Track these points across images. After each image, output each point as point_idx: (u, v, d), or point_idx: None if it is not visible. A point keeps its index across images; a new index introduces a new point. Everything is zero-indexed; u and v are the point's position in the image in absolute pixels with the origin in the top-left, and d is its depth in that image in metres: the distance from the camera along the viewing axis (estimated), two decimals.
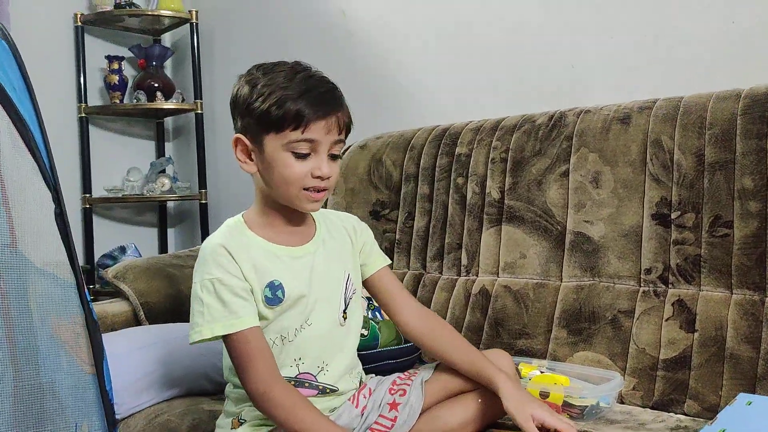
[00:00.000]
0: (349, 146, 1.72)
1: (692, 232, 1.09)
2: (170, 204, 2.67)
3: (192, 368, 1.13)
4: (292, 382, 0.85)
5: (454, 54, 1.73)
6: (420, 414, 0.91)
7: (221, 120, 2.46)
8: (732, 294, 1.04)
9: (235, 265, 0.82)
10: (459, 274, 1.43)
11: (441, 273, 1.47)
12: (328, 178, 0.83)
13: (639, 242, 1.15)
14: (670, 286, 1.11)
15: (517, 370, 1.08)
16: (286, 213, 0.88)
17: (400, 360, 1.27)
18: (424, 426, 0.90)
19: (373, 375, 0.98)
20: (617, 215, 1.19)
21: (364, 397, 0.92)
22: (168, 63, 2.62)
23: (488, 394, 0.89)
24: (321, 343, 0.87)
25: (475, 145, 1.46)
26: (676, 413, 1.03)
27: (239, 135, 0.85)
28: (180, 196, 2.46)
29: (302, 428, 0.77)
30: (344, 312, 0.90)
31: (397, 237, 1.55)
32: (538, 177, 1.32)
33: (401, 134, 1.66)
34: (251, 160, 0.85)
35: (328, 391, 0.88)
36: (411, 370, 0.98)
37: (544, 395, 1.01)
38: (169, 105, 2.42)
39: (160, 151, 2.65)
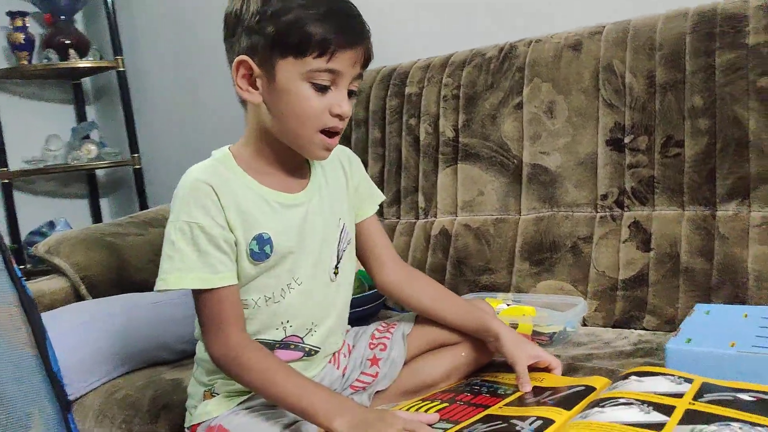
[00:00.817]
0: None
1: (645, 155, 1.11)
2: (100, 172, 2.52)
3: (149, 339, 1.07)
4: (277, 345, 0.78)
5: None
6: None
7: (149, 76, 2.31)
8: (684, 211, 1.06)
9: (220, 209, 0.71)
10: (417, 217, 1.42)
11: (399, 218, 1.45)
12: (347, 117, 0.73)
13: (594, 169, 1.16)
14: (625, 209, 1.13)
15: None
16: (286, 155, 0.76)
17: (366, 308, 1.26)
18: (405, 380, 0.87)
19: (350, 327, 0.93)
20: (572, 144, 1.19)
21: (344, 357, 0.88)
22: (79, 17, 2.41)
23: (473, 345, 0.87)
24: (311, 304, 0.79)
25: (425, 84, 1.42)
26: (637, 329, 1.06)
27: (245, 57, 0.71)
28: (110, 163, 2.32)
29: (282, 392, 0.70)
30: (336, 267, 0.82)
31: None
32: (491, 112, 1.31)
33: None
34: (255, 88, 0.72)
35: (312, 352, 0.82)
36: (389, 321, 0.93)
37: (513, 327, 1.02)
38: (86, 63, 2.23)
39: (81, 116, 2.46)
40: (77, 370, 1.01)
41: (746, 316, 0.87)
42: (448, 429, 0.68)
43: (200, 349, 0.82)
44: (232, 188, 0.73)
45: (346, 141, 1.55)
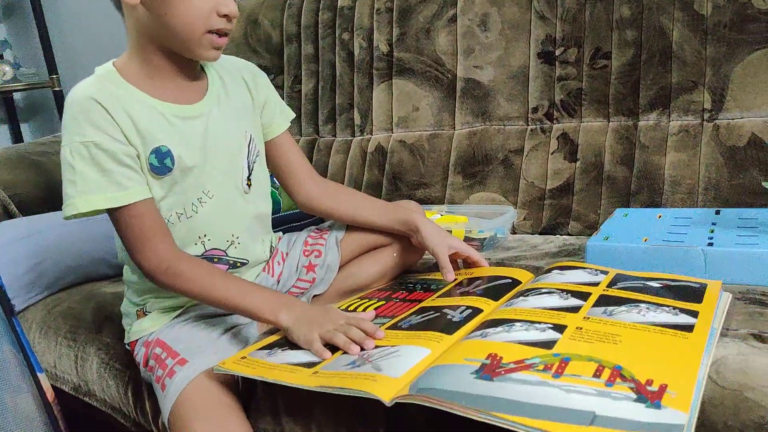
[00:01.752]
0: None
1: (574, 67, 1.13)
2: (17, 95, 2.35)
3: (88, 254, 1.04)
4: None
5: None
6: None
7: None
8: (609, 122, 1.11)
9: (114, 124, 0.68)
10: (353, 135, 1.41)
11: (335, 136, 1.44)
12: (234, 17, 0.71)
13: (526, 83, 1.18)
14: (555, 121, 1.16)
15: None
16: (174, 62, 0.73)
17: (304, 222, 1.26)
18: (341, 283, 0.88)
19: (281, 234, 0.94)
20: (505, 57, 1.20)
21: (279, 264, 0.89)
22: None
23: (403, 245, 0.89)
24: (226, 216, 0.79)
25: None
26: (562, 235, 1.12)
27: None
28: (27, 85, 2.16)
29: (225, 294, 0.70)
30: (248, 179, 0.81)
31: (286, 103, 1.48)
32: (425, 25, 1.28)
33: None
34: None
35: (238, 264, 0.82)
36: (320, 227, 0.94)
37: None
38: None
39: None
40: (16, 284, 0.98)
41: (660, 217, 0.93)
42: (384, 323, 0.70)
43: (127, 270, 0.82)
44: (123, 104, 0.70)
45: (278, 57, 1.50)
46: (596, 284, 0.72)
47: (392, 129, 1.35)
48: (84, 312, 0.96)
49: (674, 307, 0.64)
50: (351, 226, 0.92)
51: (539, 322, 0.63)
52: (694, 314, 0.62)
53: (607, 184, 1.08)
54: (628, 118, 1.09)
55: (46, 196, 1.20)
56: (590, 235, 1.08)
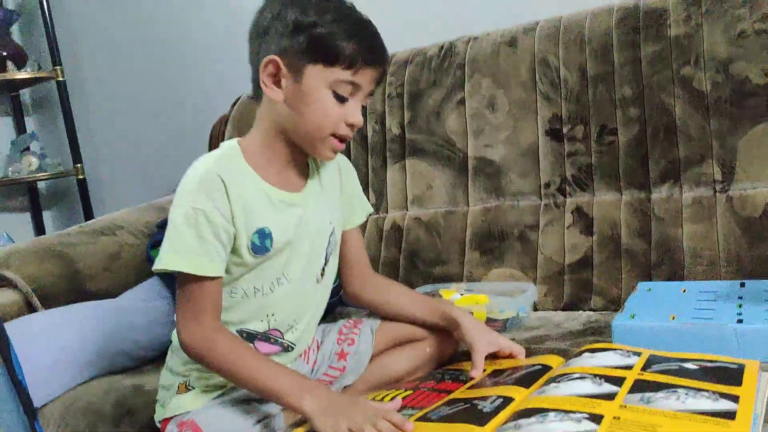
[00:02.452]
0: (239, 97, 1.64)
1: (582, 144, 1.16)
2: (41, 185, 2.42)
3: (107, 347, 1.05)
4: (258, 336, 0.81)
5: None
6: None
7: (90, 85, 2.24)
8: (622, 195, 1.13)
9: (227, 201, 0.73)
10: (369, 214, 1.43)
11: None
12: (359, 127, 0.78)
13: (537, 159, 1.21)
14: (568, 196, 1.18)
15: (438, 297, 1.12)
16: (293, 152, 0.80)
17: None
18: (372, 374, 0.88)
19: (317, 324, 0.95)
20: (514, 136, 1.24)
21: (313, 352, 0.90)
22: (15, 29, 2.33)
23: (438, 339, 0.90)
24: (296, 300, 0.82)
25: None
26: (585, 310, 1.12)
27: (275, 57, 0.75)
28: (52, 174, 2.23)
29: (253, 375, 0.72)
30: (323, 269, 0.85)
31: None
32: (435, 108, 1.34)
33: None
34: (279, 87, 0.76)
35: (289, 349, 0.84)
36: (356, 317, 0.95)
37: None
38: (24, 74, 2.16)
39: (21, 128, 2.37)
40: (35, 381, 0.97)
41: (685, 291, 0.93)
42: (413, 414, 0.70)
43: (174, 337, 0.82)
44: (240, 181, 0.75)
45: None
46: (630, 367, 0.71)
47: (407, 207, 1.38)
48: (103, 406, 0.96)
49: (713, 392, 0.63)
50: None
51: (574, 412, 0.62)
52: (734, 399, 0.62)
53: (626, 257, 1.09)
54: (640, 191, 1.11)
55: (68, 287, 1.22)
56: (614, 310, 1.09)
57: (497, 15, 1.43)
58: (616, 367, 0.72)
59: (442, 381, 0.82)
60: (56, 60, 2.15)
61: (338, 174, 0.89)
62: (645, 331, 0.81)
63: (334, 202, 0.87)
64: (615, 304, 1.09)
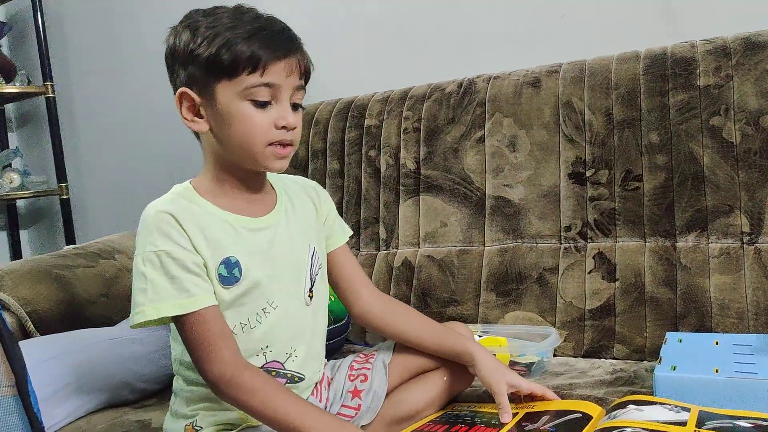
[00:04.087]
0: None
1: (606, 188, 1.15)
2: (20, 203, 2.32)
3: (109, 378, 0.97)
4: None
5: (342, 27, 1.67)
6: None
7: (80, 102, 2.18)
8: (646, 242, 1.11)
9: (184, 235, 0.71)
10: (378, 249, 1.40)
11: (359, 249, 1.42)
12: (293, 128, 0.74)
13: (558, 201, 1.20)
14: (589, 240, 1.16)
15: None
16: (245, 178, 0.77)
17: (332, 342, 1.22)
18: (388, 411, 0.84)
19: (325, 360, 0.91)
20: (535, 177, 1.22)
21: (325, 389, 0.85)
22: (5, 41, 2.27)
23: (453, 369, 0.86)
24: (288, 328, 0.78)
25: (385, 116, 1.42)
26: (607, 358, 1.08)
27: (184, 89, 0.73)
28: (34, 193, 2.14)
29: (284, 414, 0.68)
30: (310, 290, 0.81)
31: None
32: (453, 145, 1.32)
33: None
34: (200, 117, 0.74)
35: (296, 379, 0.79)
36: (367, 351, 0.91)
37: None
38: (12, 89, 2.08)
39: (3, 143, 2.29)
40: None
41: (717, 343, 0.91)
42: None
43: (178, 379, 0.79)
44: (195, 216, 0.73)
45: (303, 171, 1.52)
46: (683, 423, 0.68)
47: (419, 244, 1.34)
48: None
49: None
50: (398, 348, 0.90)
51: None
52: None
53: (651, 305, 1.07)
54: (665, 239, 1.09)
55: (65, 312, 1.14)
56: (638, 359, 1.06)
57: (513, 56, 1.44)
58: (669, 423, 0.68)
59: (474, 425, 0.78)
60: (47, 75, 2.08)
61: (310, 198, 0.87)
62: (689, 383, 0.78)
63: (310, 223, 0.84)
64: (639, 353, 1.06)
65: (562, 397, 0.86)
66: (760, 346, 0.87)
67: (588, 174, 1.17)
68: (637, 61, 1.15)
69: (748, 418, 0.69)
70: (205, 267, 0.72)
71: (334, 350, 1.23)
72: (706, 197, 1.06)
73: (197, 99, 0.73)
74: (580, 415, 0.76)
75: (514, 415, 0.79)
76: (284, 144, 0.74)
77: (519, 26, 1.44)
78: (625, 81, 1.15)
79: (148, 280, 0.69)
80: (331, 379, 0.87)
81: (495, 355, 0.99)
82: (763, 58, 1.02)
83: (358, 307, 0.88)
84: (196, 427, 0.75)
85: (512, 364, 1.01)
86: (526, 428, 0.74)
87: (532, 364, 1.00)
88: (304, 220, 0.83)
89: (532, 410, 0.80)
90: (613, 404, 0.76)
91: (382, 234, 1.39)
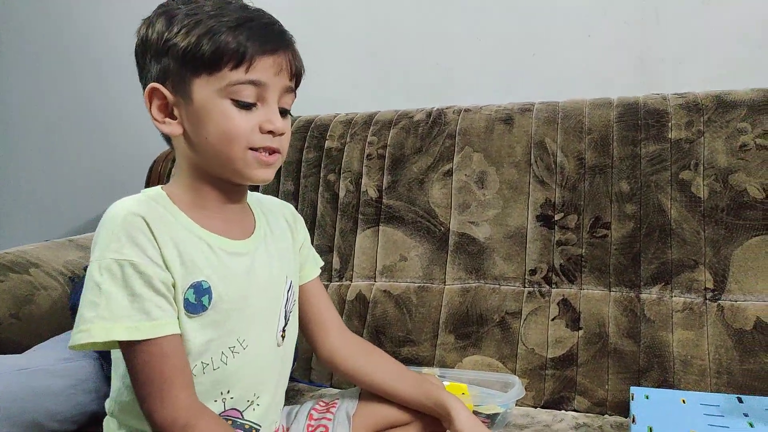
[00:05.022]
0: None
1: (574, 233, 1.13)
2: None
3: (15, 417, 0.83)
4: None
5: (308, 41, 1.60)
6: None
7: (7, 110, 1.98)
8: (611, 292, 1.09)
9: (156, 246, 0.60)
10: (330, 280, 1.31)
11: None
12: (281, 134, 0.65)
13: (524, 243, 1.16)
14: (554, 285, 1.13)
15: None
16: (223, 192, 0.68)
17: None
18: None
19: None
20: (503, 216, 1.18)
21: None
22: None
23: (425, 424, 0.79)
24: (255, 371, 0.68)
25: (347, 140, 1.35)
26: (568, 410, 1.05)
27: (155, 84, 0.63)
28: None
29: None
30: (283, 330, 0.72)
31: None
32: (419, 175, 1.27)
33: None
34: (173, 118, 0.64)
35: (253, 431, 0.70)
36: (327, 399, 0.83)
37: None
38: None
39: None
40: None
41: (684, 402, 0.89)
42: None
43: (109, 423, 0.67)
44: (170, 228, 0.63)
45: (253, 189, 1.41)
46: None
47: (375, 277, 1.27)
48: None
49: None
50: (364, 397, 0.81)
51: None
52: None
53: (614, 357, 1.04)
54: (630, 289, 1.08)
55: None
56: (599, 413, 1.03)
57: (482, 90, 1.42)
58: None
59: None
60: None
61: (288, 223, 0.78)
62: None
63: (287, 253, 0.75)
64: (600, 407, 1.03)
65: None
66: (727, 407, 0.86)
67: (557, 217, 1.14)
68: (610, 107, 1.15)
69: None
70: (174, 288, 0.61)
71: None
72: (672, 250, 1.05)
73: (170, 97, 0.63)
74: None
75: None
76: (270, 151, 0.65)
77: (490, 61, 1.43)
78: (598, 126, 1.14)
79: (103, 292, 0.58)
80: (287, 428, 0.78)
81: None
82: (734, 117, 1.04)
83: (326, 348, 0.80)
84: None
85: (475, 415, 0.95)
86: None
87: (496, 415, 0.95)
88: (281, 248, 0.74)
89: None
90: None
91: (336, 264, 1.31)
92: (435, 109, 1.32)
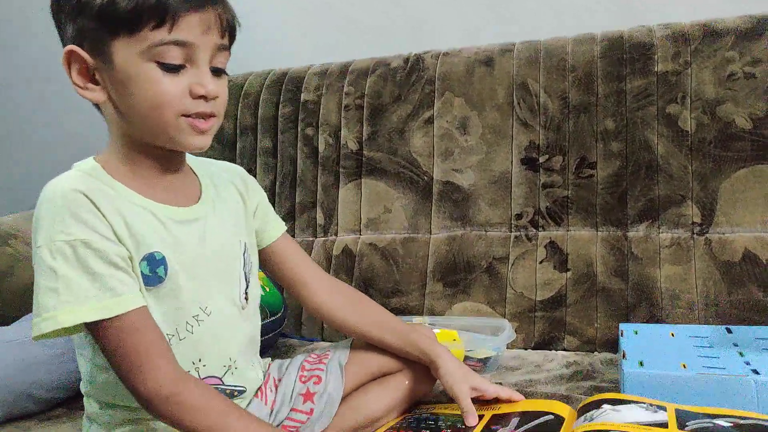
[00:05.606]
0: None
1: (560, 175, 1.11)
2: None
3: (7, 389, 0.81)
4: None
5: None
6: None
7: None
8: (598, 232, 1.08)
9: (103, 221, 0.57)
10: (315, 236, 1.29)
11: (294, 236, 1.31)
12: (215, 97, 0.60)
13: (509, 188, 1.14)
14: (540, 229, 1.12)
15: None
16: (160, 160, 0.64)
17: (266, 337, 1.10)
18: (344, 417, 0.75)
19: (270, 358, 0.80)
20: (486, 161, 1.16)
21: (271, 391, 0.75)
22: None
23: (416, 372, 0.78)
24: (224, 336, 0.66)
25: (323, 91, 1.31)
26: (558, 350, 1.05)
27: (72, 47, 0.58)
28: None
29: None
30: (245, 292, 0.70)
31: None
32: (399, 125, 1.23)
33: (228, 80, 1.43)
34: (95, 83, 0.59)
35: (236, 394, 0.68)
36: (320, 351, 0.81)
37: None
38: None
39: None
40: None
41: (673, 335, 0.89)
42: None
43: (90, 402, 0.65)
44: (112, 200, 0.60)
45: (230, 149, 1.37)
46: (663, 425, 0.64)
47: (360, 231, 1.25)
48: None
49: None
50: (356, 347, 0.81)
51: None
52: None
53: (602, 296, 1.04)
54: (617, 228, 1.07)
55: None
56: (589, 350, 1.03)
57: (463, 31, 1.37)
58: (650, 425, 0.64)
59: (441, 430, 0.70)
60: None
61: (236, 188, 0.74)
62: (659, 379, 0.74)
63: (239, 218, 0.73)
64: (590, 345, 1.03)
65: (527, 396, 0.80)
66: (716, 338, 0.86)
67: (541, 160, 1.12)
68: (593, 43, 1.12)
69: (726, 416, 0.66)
70: (130, 261, 0.59)
71: (269, 346, 1.12)
72: (658, 186, 1.04)
73: (89, 59, 0.58)
74: (552, 417, 0.70)
75: (480, 417, 0.72)
76: (203, 116, 0.60)
77: (466, 1, 1.37)
78: (581, 64, 1.11)
79: (60, 277, 0.55)
80: (278, 380, 0.77)
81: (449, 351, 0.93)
82: (721, 46, 1.01)
83: (312, 304, 0.78)
84: None
85: (467, 360, 0.94)
86: (497, 431, 0.68)
87: (487, 359, 0.94)
88: (232, 213, 0.71)
89: (498, 412, 0.74)
90: (584, 403, 0.71)
91: (320, 219, 1.28)
92: (412, 54, 1.27)
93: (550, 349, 1.05)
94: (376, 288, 1.19)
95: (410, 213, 1.21)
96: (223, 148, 1.38)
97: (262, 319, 1.08)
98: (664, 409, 0.68)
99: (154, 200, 0.62)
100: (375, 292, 1.19)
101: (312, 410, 0.74)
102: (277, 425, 0.73)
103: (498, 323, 1.03)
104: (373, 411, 0.76)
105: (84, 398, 0.66)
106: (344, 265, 1.23)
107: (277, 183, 1.33)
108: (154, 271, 0.60)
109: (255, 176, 1.34)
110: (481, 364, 0.94)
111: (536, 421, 0.69)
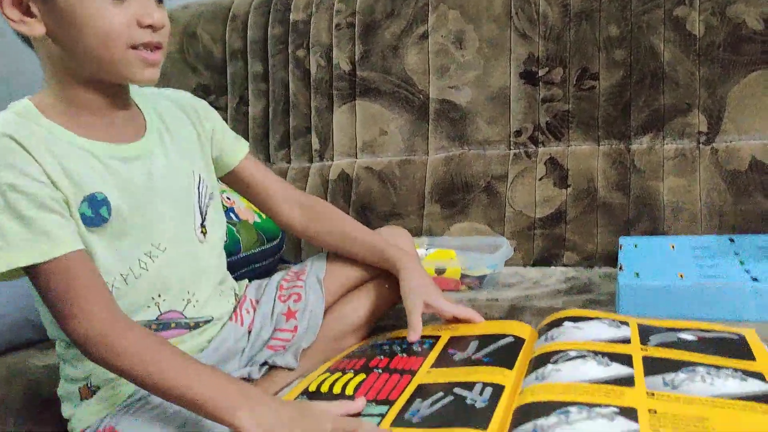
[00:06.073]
0: None
1: (560, 88, 1.06)
2: None
3: (7, 316, 0.82)
4: (153, 326, 0.64)
5: None
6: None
7: None
8: (599, 146, 1.05)
9: (35, 164, 0.55)
10: (311, 161, 1.27)
11: (290, 162, 1.29)
12: (162, 27, 0.58)
13: (507, 104, 1.10)
14: (540, 145, 1.09)
15: None
16: (103, 95, 0.61)
17: (265, 263, 1.10)
18: (330, 328, 0.76)
19: (247, 281, 0.80)
20: (484, 77, 1.11)
21: (248, 312, 0.74)
22: None
23: (391, 277, 0.77)
24: (180, 270, 0.65)
25: (313, 10, 1.25)
26: (557, 266, 1.04)
27: None
28: None
29: (169, 380, 0.54)
30: (202, 225, 0.68)
31: (231, 126, 1.30)
32: (393, 42, 1.18)
33: (214, 1, 1.37)
34: (31, 16, 0.56)
35: (201, 324, 0.68)
36: (297, 267, 0.81)
37: (440, 271, 0.94)
38: None
39: None
40: None
41: (673, 247, 0.87)
42: (383, 414, 0.55)
43: (60, 345, 0.65)
44: (45, 142, 0.57)
45: (220, 74, 1.33)
46: (625, 341, 0.61)
47: (356, 154, 1.22)
48: (10, 395, 0.75)
49: (734, 369, 0.54)
50: (331, 259, 0.80)
51: (599, 405, 0.49)
52: (758, 377, 0.53)
53: (602, 211, 1.02)
54: (620, 141, 1.03)
55: None
56: (588, 266, 1.02)
57: None
58: (612, 341, 0.61)
59: (395, 356, 0.67)
60: None
61: (187, 116, 0.71)
62: (655, 290, 0.73)
63: (191, 148, 0.70)
64: (589, 260, 1.02)
65: (521, 310, 0.80)
66: (717, 249, 0.84)
67: (541, 73, 1.07)
68: None
69: (690, 329, 0.63)
70: (67, 205, 0.57)
71: (269, 272, 1.12)
72: (664, 95, 0.99)
73: None
74: (512, 339, 0.67)
75: (436, 339, 0.69)
76: (151, 47, 0.58)
77: None
78: None
79: None
80: (256, 301, 0.76)
81: (446, 269, 0.93)
82: None
83: (282, 221, 0.78)
84: (91, 388, 0.62)
85: (464, 278, 0.94)
86: (455, 357, 0.64)
87: (484, 276, 0.94)
88: (183, 143, 0.68)
89: (456, 333, 0.70)
90: (545, 322, 0.69)
91: (315, 144, 1.25)
92: None
93: (550, 266, 1.04)
94: (374, 212, 1.18)
95: (406, 134, 1.18)
96: (213, 74, 1.34)
97: (260, 245, 1.09)
98: (626, 324, 0.65)
99: (94, 139, 0.60)
100: (373, 215, 1.18)
101: (296, 327, 0.74)
102: (261, 345, 0.73)
103: (496, 241, 1.02)
104: (354, 319, 0.77)
105: (57, 345, 0.65)
106: (342, 190, 1.21)
107: (270, 109, 1.29)
108: (96, 211, 0.58)
109: (247, 104, 1.31)
110: (477, 282, 0.94)
111: (496, 345, 0.65)
